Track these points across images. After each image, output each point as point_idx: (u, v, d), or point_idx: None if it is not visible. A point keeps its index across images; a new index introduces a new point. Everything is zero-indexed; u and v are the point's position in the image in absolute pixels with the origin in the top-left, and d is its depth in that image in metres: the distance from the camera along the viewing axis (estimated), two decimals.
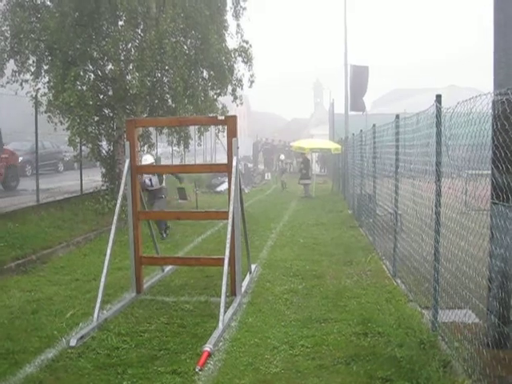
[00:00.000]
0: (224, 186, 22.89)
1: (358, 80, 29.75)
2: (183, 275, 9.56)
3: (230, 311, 7.21)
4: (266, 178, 35.93)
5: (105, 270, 7.31)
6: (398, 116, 8.88)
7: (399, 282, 8.59)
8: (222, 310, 6.65)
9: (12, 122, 19.92)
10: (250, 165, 37.81)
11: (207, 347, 5.85)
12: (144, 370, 5.42)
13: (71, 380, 5.21)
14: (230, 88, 17.02)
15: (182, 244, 12.52)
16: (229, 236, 7.43)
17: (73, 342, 6.11)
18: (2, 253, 10.02)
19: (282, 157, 35.86)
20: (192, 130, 19.87)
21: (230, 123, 8.08)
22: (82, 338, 6.26)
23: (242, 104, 17.26)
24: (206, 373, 5.39)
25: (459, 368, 5.06)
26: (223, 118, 8.84)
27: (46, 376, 5.30)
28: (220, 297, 6.86)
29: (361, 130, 15.52)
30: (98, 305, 6.92)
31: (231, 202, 7.68)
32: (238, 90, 17.11)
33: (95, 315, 6.83)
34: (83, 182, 17.14)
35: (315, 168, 37.72)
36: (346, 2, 30.21)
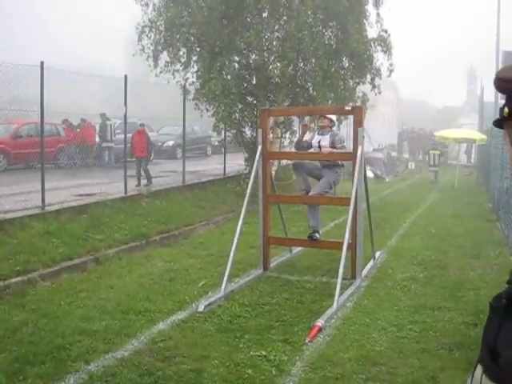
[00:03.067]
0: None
1: None
2: (310, 257, 10.01)
3: (348, 292, 7.58)
4: (409, 167, 35.22)
5: (233, 247, 7.99)
6: None
7: None
8: (337, 290, 7.04)
9: (165, 108, 21.38)
10: (393, 153, 37.24)
11: (319, 322, 6.30)
12: (259, 337, 6.01)
13: (196, 338, 5.94)
14: (368, 77, 17.15)
15: None
16: (349, 221, 7.81)
17: (201, 308, 6.85)
18: (150, 227, 11.17)
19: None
20: None
21: (357, 113, 8.40)
22: (209, 304, 6.98)
23: (379, 93, 17.26)
24: (314, 344, 5.86)
25: None
26: (350, 108, 9.17)
27: (175, 333, 6.09)
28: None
29: None
30: (225, 277, 7.61)
31: (354, 189, 8.04)
32: (377, 79, 17.18)
33: (223, 286, 7.52)
34: (228, 165, 18.26)
35: (463, 159, 36.22)
36: None
